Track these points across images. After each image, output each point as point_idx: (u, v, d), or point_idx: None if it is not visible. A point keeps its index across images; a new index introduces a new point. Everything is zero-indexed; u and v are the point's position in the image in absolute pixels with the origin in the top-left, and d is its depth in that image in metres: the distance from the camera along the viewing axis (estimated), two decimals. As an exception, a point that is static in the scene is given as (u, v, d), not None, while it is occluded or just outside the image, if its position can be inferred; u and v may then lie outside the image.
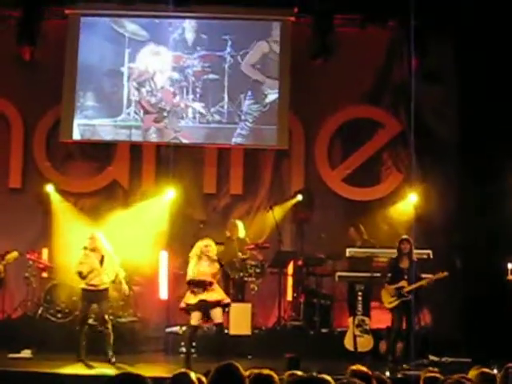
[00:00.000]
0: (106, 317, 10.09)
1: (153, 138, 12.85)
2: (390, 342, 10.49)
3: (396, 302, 10.36)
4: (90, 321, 10.37)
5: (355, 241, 12.10)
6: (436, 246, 11.58)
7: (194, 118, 12.79)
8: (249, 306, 11.37)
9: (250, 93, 12.77)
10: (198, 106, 12.78)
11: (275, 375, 4.33)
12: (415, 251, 10.55)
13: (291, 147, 13.03)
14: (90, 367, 9.70)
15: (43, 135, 13.07)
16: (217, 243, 10.24)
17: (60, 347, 10.50)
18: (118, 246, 10.45)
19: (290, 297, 12.34)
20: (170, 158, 12.50)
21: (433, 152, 12.75)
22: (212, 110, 12.75)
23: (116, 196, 13.06)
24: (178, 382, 4.48)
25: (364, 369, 5.03)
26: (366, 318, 11.13)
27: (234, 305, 10.34)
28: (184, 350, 10.02)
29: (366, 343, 10.97)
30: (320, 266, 12.24)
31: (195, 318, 9.73)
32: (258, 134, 12.82)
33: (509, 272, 10.70)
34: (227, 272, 11.14)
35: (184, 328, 10.66)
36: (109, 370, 9.40)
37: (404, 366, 9.93)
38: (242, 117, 12.76)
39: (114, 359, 9.84)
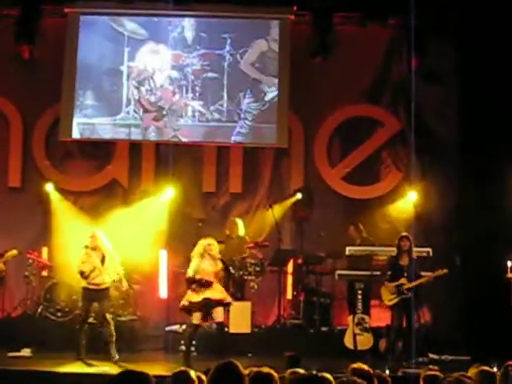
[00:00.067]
0: (108, 316, 10.08)
1: (152, 136, 12.84)
2: (390, 341, 10.51)
3: (396, 300, 10.38)
4: (90, 319, 10.36)
5: (355, 239, 12.10)
6: (436, 245, 11.61)
7: (194, 116, 12.78)
8: (248, 304, 11.38)
9: (249, 91, 12.76)
10: (198, 104, 12.77)
11: (275, 373, 4.33)
12: (415, 249, 10.58)
13: (291, 145, 13.02)
14: (90, 366, 9.70)
15: (42, 134, 13.07)
16: (217, 242, 10.23)
17: (60, 346, 10.51)
18: (118, 244, 10.45)
19: (289, 295, 12.35)
20: (170, 157, 12.51)
21: (432, 151, 12.76)
22: (211, 108, 12.74)
23: (115, 195, 13.05)
24: (178, 381, 4.48)
25: (365, 367, 5.04)
26: (365, 317, 11.13)
27: (233, 303, 10.34)
28: (184, 348, 10.02)
29: (365, 341, 10.97)
30: (320, 265, 12.24)
31: (197, 316, 9.73)
32: (258, 133, 12.82)
33: (508, 270, 10.71)
34: (230, 271, 11.12)
35: (184, 326, 10.66)
36: (109, 369, 9.40)
37: (404, 364, 9.94)
38: (242, 115, 12.75)
39: (117, 358, 9.82)
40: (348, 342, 10.96)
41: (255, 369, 4.40)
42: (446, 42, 12.74)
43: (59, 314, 11.45)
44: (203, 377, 4.67)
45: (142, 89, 12.83)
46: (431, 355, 10.59)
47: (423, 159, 12.72)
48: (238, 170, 13.08)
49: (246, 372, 4.28)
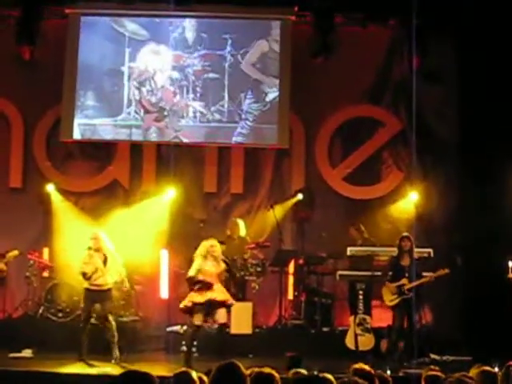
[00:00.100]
0: (110, 317, 10.07)
1: (153, 137, 12.84)
2: (391, 341, 10.52)
3: (397, 300, 10.38)
4: (92, 320, 10.36)
5: (356, 239, 12.10)
6: (437, 245, 11.61)
7: (195, 117, 12.78)
8: (250, 304, 11.38)
9: (250, 92, 12.76)
10: (199, 105, 12.77)
11: (276, 374, 4.33)
12: (416, 250, 10.57)
13: (292, 146, 13.02)
14: (91, 366, 9.70)
15: (43, 135, 13.07)
16: (218, 242, 10.23)
17: (61, 347, 10.50)
18: (119, 245, 10.45)
19: (290, 296, 12.34)
20: (171, 158, 12.51)
21: (433, 151, 12.76)
22: (212, 109, 12.74)
23: (116, 195, 13.06)
24: (179, 381, 4.48)
25: (366, 367, 5.04)
26: (367, 317, 11.13)
27: (234, 304, 10.33)
28: (185, 348, 10.01)
29: (367, 342, 10.97)
30: (321, 265, 12.24)
31: (199, 317, 9.72)
32: (259, 133, 12.81)
33: (509, 270, 10.69)
34: (233, 272, 11.10)
35: (185, 327, 10.66)
36: (110, 369, 9.40)
37: (405, 364, 9.94)
38: (243, 116, 12.75)
39: (118, 358, 9.82)
40: (349, 342, 10.96)
41: (257, 369, 4.40)
42: (447, 41, 12.75)
43: (60, 315, 11.45)
44: (205, 377, 4.67)
45: (143, 89, 12.83)
46: (432, 355, 10.58)
47: (424, 159, 12.71)
48: (239, 171, 13.08)
49: (248, 373, 4.27)
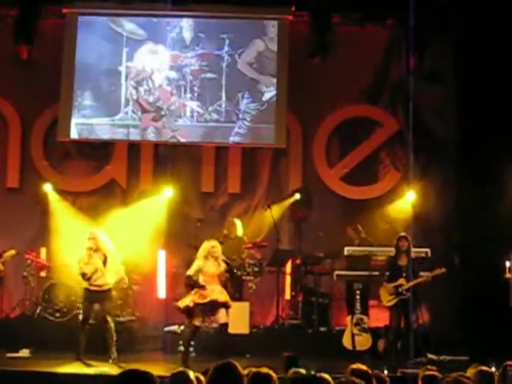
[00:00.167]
0: (109, 318, 10.04)
1: (151, 136, 12.84)
2: (389, 341, 10.52)
3: (395, 301, 10.38)
4: (90, 321, 10.34)
5: (353, 239, 12.10)
6: (434, 245, 11.60)
7: (192, 116, 12.78)
8: (247, 304, 11.37)
9: (247, 91, 12.76)
10: (196, 104, 12.77)
11: (274, 374, 4.33)
12: (413, 250, 10.57)
13: (289, 146, 13.02)
14: (89, 366, 9.68)
15: (41, 134, 13.05)
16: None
17: (58, 346, 10.49)
18: (117, 245, 10.43)
19: (288, 295, 12.35)
20: (168, 157, 12.53)
21: (431, 151, 12.76)
22: (210, 108, 12.74)
23: (114, 195, 13.05)
24: (176, 381, 4.47)
25: (364, 367, 5.04)
26: (364, 317, 11.13)
27: (232, 304, 10.32)
28: (182, 348, 10.01)
29: (364, 342, 10.98)
30: (318, 265, 12.23)
31: (199, 318, 9.71)
32: (256, 133, 12.82)
33: (507, 270, 10.71)
34: (234, 272, 11.08)
35: (182, 327, 10.65)
36: (107, 369, 9.40)
37: (402, 364, 9.93)
38: (240, 115, 12.75)
39: (116, 359, 9.80)
40: (346, 342, 10.96)
41: (254, 369, 4.40)
42: (445, 41, 12.74)
43: (58, 315, 11.43)
44: (202, 377, 4.67)
45: (141, 89, 12.83)
46: (430, 355, 10.58)
47: (422, 159, 12.71)
48: (236, 171, 13.07)
49: (245, 372, 4.27)
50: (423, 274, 10.47)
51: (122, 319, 11.37)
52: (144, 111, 12.78)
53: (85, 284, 10.04)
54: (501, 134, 11.51)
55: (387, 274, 10.60)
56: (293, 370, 5.11)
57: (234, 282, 11.37)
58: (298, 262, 12.26)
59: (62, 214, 12.42)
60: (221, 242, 10.52)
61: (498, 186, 11.44)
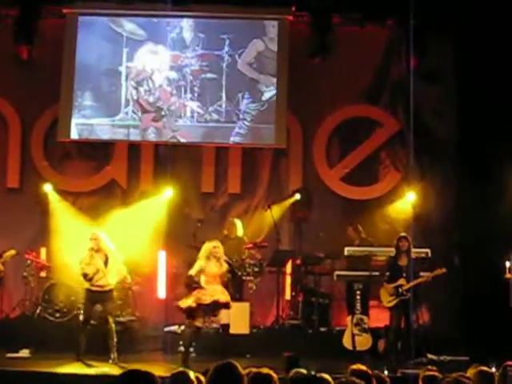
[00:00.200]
0: (110, 319, 10.02)
1: (151, 137, 12.84)
2: (389, 341, 10.51)
3: (395, 301, 10.37)
4: (91, 321, 10.33)
5: (353, 240, 12.09)
6: (434, 245, 11.60)
7: (192, 117, 12.78)
8: (247, 305, 11.36)
9: (247, 92, 12.76)
10: (196, 105, 12.77)
11: (274, 374, 4.33)
12: (413, 250, 10.56)
13: (289, 146, 13.02)
14: (89, 366, 9.68)
15: (41, 134, 13.06)
16: (216, 242, 10.22)
17: (58, 347, 10.48)
18: (117, 245, 10.42)
19: (288, 296, 12.35)
20: (168, 157, 12.52)
21: (431, 151, 12.76)
22: (210, 109, 12.74)
23: (114, 195, 13.05)
24: (176, 381, 4.47)
25: (364, 368, 5.04)
26: (364, 317, 11.12)
27: (232, 304, 10.33)
28: (182, 349, 10.00)
29: (364, 342, 10.97)
30: (318, 265, 12.23)
31: (200, 319, 9.70)
32: (256, 133, 12.82)
33: (507, 270, 10.71)
34: (236, 272, 11.06)
35: (182, 327, 10.65)
36: (108, 370, 9.40)
37: (403, 364, 9.93)
38: (240, 116, 12.75)
39: (117, 360, 9.79)
40: (347, 342, 10.96)
41: (254, 369, 4.40)
42: (445, 41, 12.75)
43: (58, 315, 11.43)
44: (202, 378, 4.67)
45: (141, 89, 12.83)
46: (430, 355, 10.58)
47: (422, 159, 12.72)
48: (236, 171, 13.07)
49: (245, 373, 4.27)
50: (423, 275, 10.47)
51: (122, 319, 11.37)
52: (144, 111, 12.78)
53: (86, 284, 10.03)
54: (501, 134, 11.50)
55: (387, 274, 10.59)
56: (294, 370, 5.09)
57: (234, 283, 11.38)
58: (299, 262, 12.26)
59: (62, 215, 12.41)
60: (221, 242, 10.53)
61: (498, 186, 11.44)
